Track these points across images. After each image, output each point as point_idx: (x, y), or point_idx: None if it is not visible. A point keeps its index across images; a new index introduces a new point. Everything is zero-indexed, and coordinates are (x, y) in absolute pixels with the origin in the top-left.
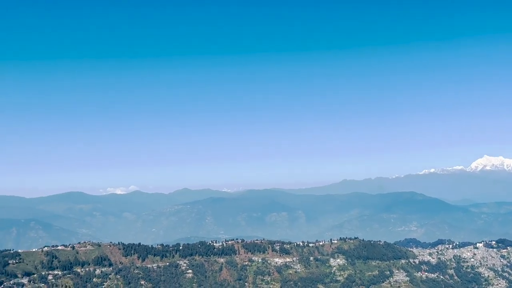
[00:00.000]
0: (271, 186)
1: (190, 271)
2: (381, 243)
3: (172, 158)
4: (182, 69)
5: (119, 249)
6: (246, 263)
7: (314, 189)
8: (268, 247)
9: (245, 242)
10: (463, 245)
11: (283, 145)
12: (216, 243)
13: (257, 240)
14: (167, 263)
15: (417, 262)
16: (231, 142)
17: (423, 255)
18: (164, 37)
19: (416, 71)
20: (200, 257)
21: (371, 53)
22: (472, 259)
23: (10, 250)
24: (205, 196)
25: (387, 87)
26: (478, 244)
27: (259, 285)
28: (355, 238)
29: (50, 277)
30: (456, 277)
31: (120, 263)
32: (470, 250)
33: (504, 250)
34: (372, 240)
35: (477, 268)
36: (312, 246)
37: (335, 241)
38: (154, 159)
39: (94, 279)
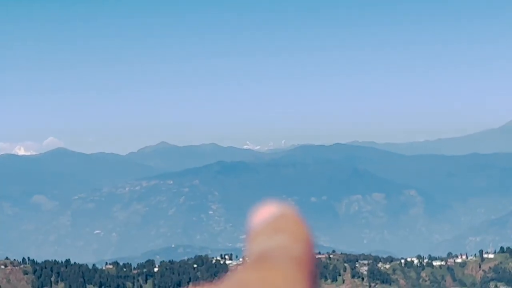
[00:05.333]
0: (351, 138)
1: None
2: None
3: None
4: None
5: (25, 273)
6: None
7: (436, 144)
8: (345, 268)
9: None
10: None
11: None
12: (230, 259)
13: (321, 253)
14: None
15: None
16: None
17: None
18: None
19: None
20: None
21: None
22: None
23: None
24: (206, 159)
25: None
26: None
27: None
28: None
29: None
30: None
31: None
32: None
33: None
34: None
35: None
36: (440, 266)
37: (490, 255)
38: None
39: None
